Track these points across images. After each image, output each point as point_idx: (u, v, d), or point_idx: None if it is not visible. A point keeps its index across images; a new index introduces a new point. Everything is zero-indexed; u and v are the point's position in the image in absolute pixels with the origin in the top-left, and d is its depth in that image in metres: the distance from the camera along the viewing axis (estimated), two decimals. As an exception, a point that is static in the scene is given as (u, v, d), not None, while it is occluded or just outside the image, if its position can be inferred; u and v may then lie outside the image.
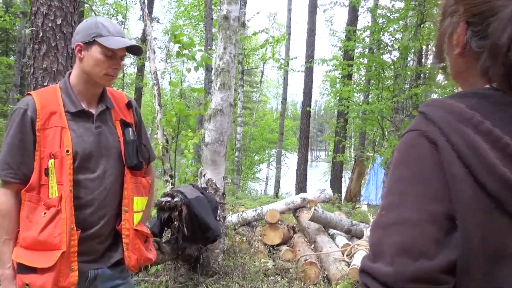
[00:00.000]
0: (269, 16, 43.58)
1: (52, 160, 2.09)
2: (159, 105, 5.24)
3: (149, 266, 4.39)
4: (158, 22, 23.04)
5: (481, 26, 0.92)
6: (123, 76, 20.48)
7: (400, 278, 0.85)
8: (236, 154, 17.80)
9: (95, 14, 19.67)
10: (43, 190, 2.11)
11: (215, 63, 5.01)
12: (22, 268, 2.08)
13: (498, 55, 0.88)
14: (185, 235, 4.34)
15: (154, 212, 4.54)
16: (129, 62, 25.64)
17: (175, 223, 4.33)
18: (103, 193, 2.23)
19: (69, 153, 2.11)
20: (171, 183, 5.28)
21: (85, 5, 11.97)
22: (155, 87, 5.27)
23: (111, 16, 22.63)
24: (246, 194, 17.75)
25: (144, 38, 19.71)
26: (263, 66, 28.09)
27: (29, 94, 2.20)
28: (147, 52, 5.55)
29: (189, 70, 5.48)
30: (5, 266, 2.11)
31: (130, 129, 2.35)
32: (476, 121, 0.87)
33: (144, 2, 5.77)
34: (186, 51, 5.17)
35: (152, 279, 4.83)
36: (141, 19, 21.52)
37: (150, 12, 21.77)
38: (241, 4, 17.39)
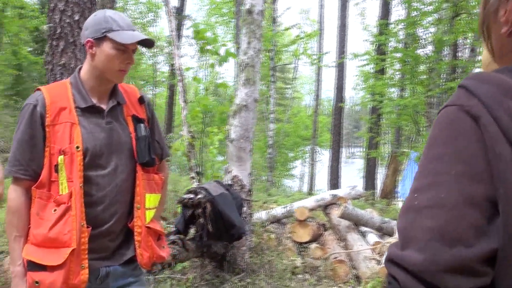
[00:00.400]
0: (302, 12, 43.28)
1: (62, 156, 2.06)
2: (184, 101, 5.21)
3: (174, 264, 4.36)
4: (190, 19, 23.12)
5: None
6: (155, 73, 20.67)
7: (433, 267, 0.75)
8: (269, 151, 17.73)
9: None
10: (54, 187, 2.08)
11: (239, 58, 4.95)
12: (32, 266, 2.06)
13: None
14: (209, 232, 4.30)
15: (179, 209, 4.51)
16: (161, 60, 25.87)
17: (199, 220, 4.30)
18: (115, 190, 2.19)
19: (79, 149, 2.08)
20: (197, 179, 5.25)
21: (117, 4, 12.10)
22: (180, 83, 5.24)
23: (143, 14, 22.84)
24: (280, 191, 17.67)
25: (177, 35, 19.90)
26: (296, 62, 27.94)
27: (39, 90, 2.17)
28: (172, 49, 5.53)
29: (212, 65, 5.44)
30: (16, 263, 2.10)
31: (142, 125, 2.30)
32: None
33: (166, 3, 5.74)
34: (210, 47, 5.13)
35: (178, 276, 4.81)
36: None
37: (182, 10, 21.93)
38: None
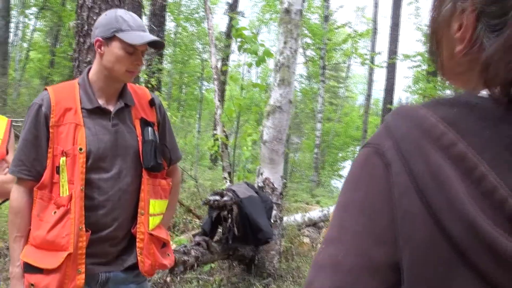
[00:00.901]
0: (357, 10, 42.59)
1: (64, 158, 2.02)
2: (219, 100, 5.15)
3: (197, 265, 4.31)
4: (243, 16, 23.13)
5: (501, 19, 0.65)
6: (203, 71, 20.83)
7: None
8: (315, 151, 17.52)
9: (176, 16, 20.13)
10: (55, 188, 2.04)
11: (275, 58, 4.83)
12: (29, 268, 2.04)
13: None
14: (235, 235, 4.23)
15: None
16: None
17: (226, 222, 4.23)
18: (118, 194, 2.13)
19: (82, 151, 2.03)
20: (228, 180, 5.18)
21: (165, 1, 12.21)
22: (215, 82, 5.18)
23: (193, 11, 23.03)
24: (325, 191, 17.47)
25: (229, 33, 19.94)
26: (349, 61, 27.52)
27: (46, 89, 2.14)
28: (209, 47, 5.48)
29: (250, 65, 5.35)
30: (15, 264, 2.08)
31: (150, 128, 2.23)
32: (448, 142, 0.62)
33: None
34: (248, 46, 5.04)
35: (205, 277, 4.76)
36: (226, 13, 21.76)
37: (236, 6, 21.94)
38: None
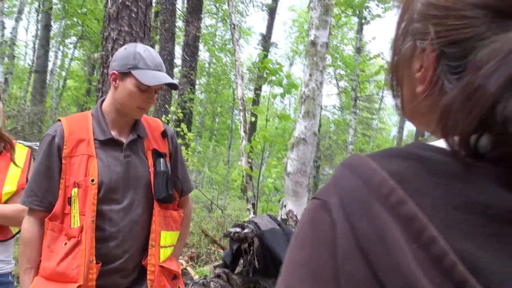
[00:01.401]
0: (390, 41, 42.47)
1: (76, 189, 2.03)
2: (244, 131, 5.16)
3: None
4: (276, 47, 23.37)
5: (462, 62, 0.61)
6: (234, 101, 21.03)
7: None
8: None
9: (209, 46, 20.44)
10: (66, 219, 2.05)
11: (301, 90, 4.83)
12: None
13: (477, 104, 0.57)
14: (256, 267, 4.17)
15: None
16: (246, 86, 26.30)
17: (247, 255, 4.18)
18: (129, 226, 2.12)
19: (94, 182, 2.04)
20: (252, 211, 5.14)
21: (198, 33, 12.44)
22: (241, 113, 5.20)
23: (226, 42, 23.38)
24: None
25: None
26: (383, 92, 27.34)
27: (59, 120, 2.17)
28: (236, 78, 5.53)
29: (274, 96, 5.36)
30: None
31: (162, 159, 2.23)
32: (395, 200, 0.57)
33: (234, 28, 5.77)
34: (274, 77, 5.06)
35: (225, 310, 4.69)
36: (259, 44, 22.01)
37: (269, 37, 22.19)
38: (358, 29, 17.11)
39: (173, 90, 14.79)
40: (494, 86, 0.54)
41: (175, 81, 2.16)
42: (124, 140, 2.17)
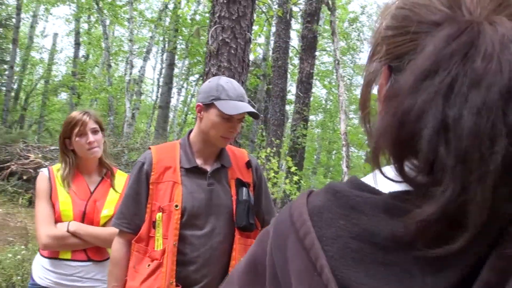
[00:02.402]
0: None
1: (160, 213, 2.15)
2: (346, 167, 5.11)
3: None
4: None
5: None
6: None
7: None
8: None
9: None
10: (151, 242, 2.16)
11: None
12: None
13: (392, 101, 0.57)
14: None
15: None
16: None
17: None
18: (209, 252, 2.19)
19: (177, 208, 2.14)
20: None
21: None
22: (344, 148, 5.17)
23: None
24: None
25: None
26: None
27: (150, 149, 2.32)
28: (339, 112, 5.52)
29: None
30: None
31: (245, 188, 2.29)
32: (302, 233, 0.63)
33: (338, 63, 5.80)
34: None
35: None
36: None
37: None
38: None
39: (286, 126, 15.04)
40: (408, 82, 0.56)
41: (258, 112, 2.22)
42: (208, 168, 2.27)
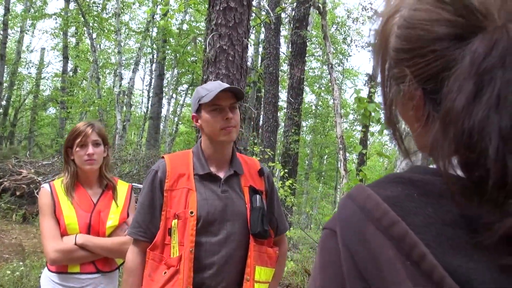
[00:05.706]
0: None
1: (176, 220, 2.15)
2: (344, 170, 5.15)
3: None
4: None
5: (440, 92, 0.65)
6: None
7: None
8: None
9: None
10: (166, 249, 2.16)
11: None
12: None
13: (450, 124, 0.60)
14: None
15: None
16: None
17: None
18: (224, 258, 2.19)
19: (193, 214, 2.14)
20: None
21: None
22: (341, 152, 5.21)
23: (328, 87, 23.53)
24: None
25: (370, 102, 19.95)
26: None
27: (163, 157, 2.34)
28: (335, 116, 5.57)
29: (372, 134, 5.31)
30: None
31: (258, 196, 2.30)
32: (388, 222, 0.61)
33: (331, 67, 5.85)
34: (373, 114, 5.02)
35: None
36: (366, 84, 21.91)
37: (376, 77, 21.97)
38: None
39: (279, 132, 15.02)
40: (459, 105, 0.58)
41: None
42: (221, 175, 2.28)
